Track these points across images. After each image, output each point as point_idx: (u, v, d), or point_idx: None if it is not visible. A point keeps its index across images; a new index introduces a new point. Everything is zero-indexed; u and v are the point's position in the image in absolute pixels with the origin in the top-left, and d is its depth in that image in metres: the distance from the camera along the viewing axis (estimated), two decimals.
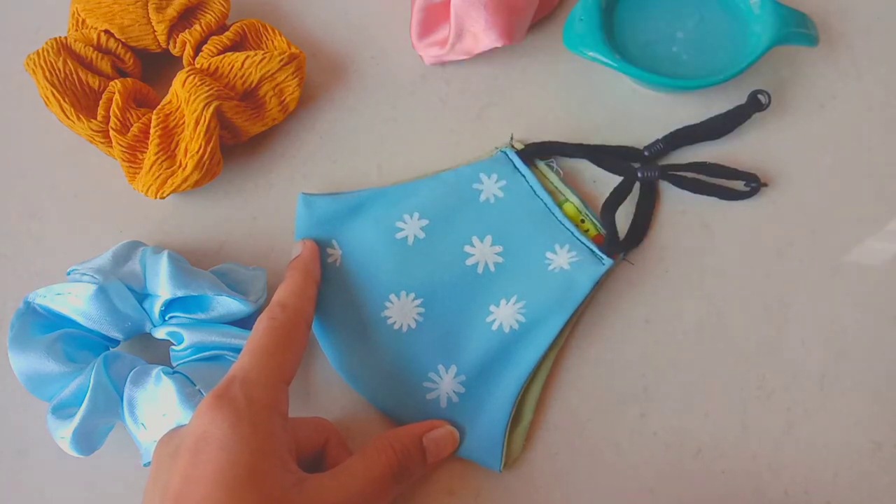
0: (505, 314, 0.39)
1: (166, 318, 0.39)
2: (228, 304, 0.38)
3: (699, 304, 0.41)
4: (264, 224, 0.43)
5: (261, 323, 0.35)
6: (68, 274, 0.39)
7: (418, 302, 0.40)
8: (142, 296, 0.39)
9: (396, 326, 0.39)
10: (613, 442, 0.39)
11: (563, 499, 0.38)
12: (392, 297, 0.40)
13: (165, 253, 0.38)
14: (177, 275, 0.38)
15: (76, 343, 0.38)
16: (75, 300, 0.37)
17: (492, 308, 0.39)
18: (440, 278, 0.40)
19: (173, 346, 0.38)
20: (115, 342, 0.39)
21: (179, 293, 0.37)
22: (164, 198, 0.41)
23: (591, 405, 0.39)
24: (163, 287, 0.37)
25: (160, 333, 0.38)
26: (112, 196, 0.44)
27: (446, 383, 0.39)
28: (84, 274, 0.38)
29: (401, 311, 0.39)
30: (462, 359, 0.39)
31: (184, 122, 0.41)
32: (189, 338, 0.38)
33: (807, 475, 0.38)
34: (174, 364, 0.38)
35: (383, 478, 0.34)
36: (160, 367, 0.37)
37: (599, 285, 0.40)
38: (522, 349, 0.39)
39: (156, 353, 0.40)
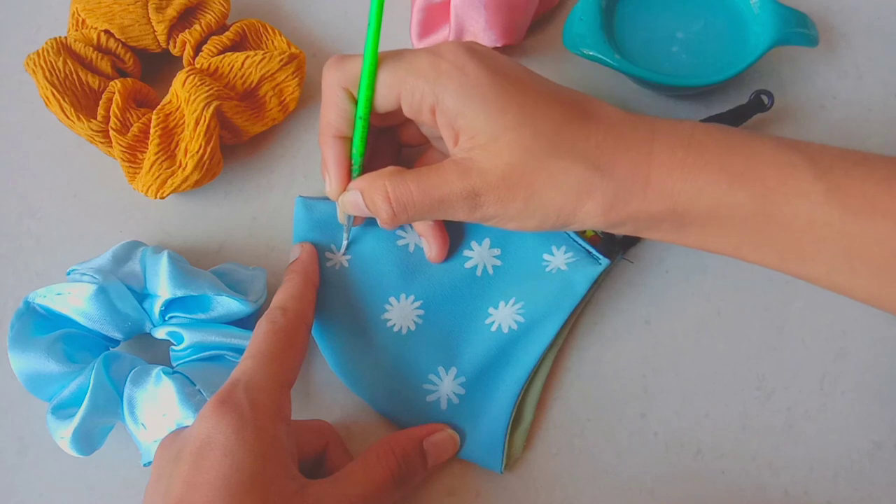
0: (504, 315, 0.39)
1: (166, 318, 0.39)
2: (228, 304, 0.38)
3: (699, 304, 0.41)
4: (264, 224, 0.43)
5: (261, 327, 0.35)
6: (68, 274, 0.39)
7: (418, 304, 0.40)
8: (142, 296, 0.39)
9: (396, 329, 0.39)
10: (613, 442, 0.39)
11: (563, 499, 0.38)
12: (392, 299, 0.40)
13: (165, 253, 0.38)
14: (177, 275, 0.38)
15: (76, 343, 0.38)
16: (75, 300, 0.37)
17: (491, 310, 0.39)
18: (439, 281, 0.40)
19: (173, 346, 0.38)
20: (115, 342, 0.39)
21: (179, 293, 0.37)
22: (164, 198, 0.41)
23: (591, 405, 0.39)
24: (163, 287, 0.37)
25: (160, 333, 0.38)
26: (112, 196, 0.44)
27: (446, 385, 0.39)
28: (84, 274, 0.38)
29: (400, 314, 0.39)
30: (462, 360, 0.39)
31: (184, 122, 0.41)
32: (189, 338, 0.38)
33: (807, 475, 0.38)
34: (174, 364, 0.38)
35: (384, 483, 0.34)
36: (160, 367, 0.37)
37: (599, 285, 0.40)
38: (521, 350, 0.38)
39: (156, 353, 0.40)
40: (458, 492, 0.38)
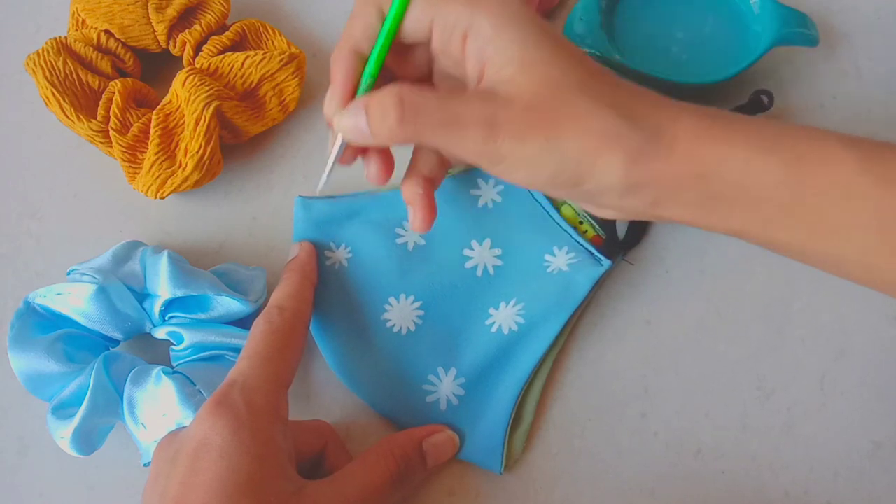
0: (504, 316, 0.39)
1: (166, 318, 0.39)
2: (228, 304, 0.38)
3: (699, 304, 0.41)
4: (264, 224, 0.43)
5: (258, 326, 0.35)
6: (68, 274, 0.39)
7: (418, 305, 0.40)
8: (142, 296, 0.39)
9: (396, 329, 0.39)
10: (613, 442, 0.39)
11: (563, 499, 0.38)
12: (391, 300, 0.40)
13: (165, 253, 0.38)
14: (177, 275, 0.38)
15: (76, 343, 0.38)
16: (75, 300, 0.37)
17: (491, 310, 0.39)
18: (439, 281, 0.40)
19: (173, 346, 0.38)
20: (115, 342, 0.39)
21: (179, 293, 0.37)
22: (164, 198, 0.41)
23: (591, 405, 0.39)
24: (163, 287, 0.37)
25: (160, 333, 0.38)
26: (112, 196, 0.44)
27: (446, 386, 0.39)
28: (84, 274, 0.38)
29: (400, 314, 0.39)
30: (461, 361, 0.39)
31: (184, 122, 0.41)
32: (189, 338, 0.38)
33: (807, 475, 0.38)
34: (174, 364, 0.38)
35: (383, 484, 0.33)
36: (160, 367, 0.37)
37: (599, 286, 0.40)
38: (522, 351, 0.38)
39: (156, 353, 0.40)
40: (458, 492, 0.38)
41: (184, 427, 0.33)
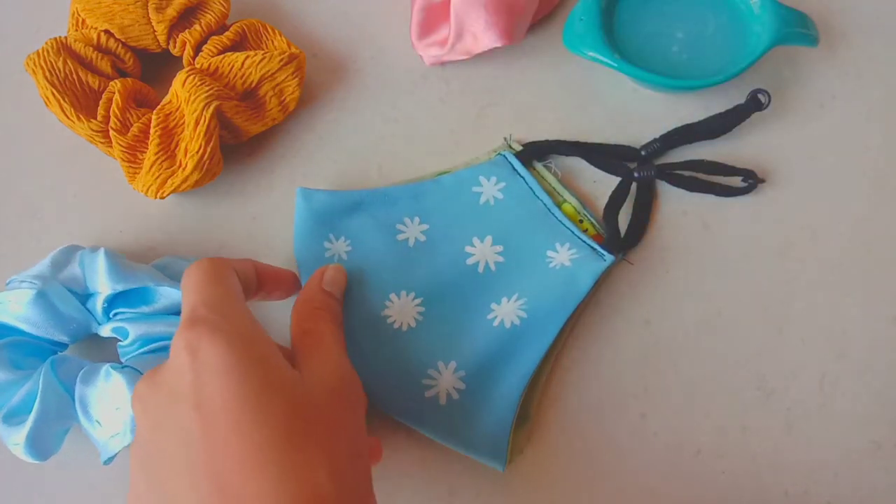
0: (506, 311, 0.39)
1: (111, 316, 0.38)
2: (171, 295, 0.38)
3: (699, 304, 0.41)
4: (264, 224, 0.43)
5: (186, 274, 0.33)
6: (7, 284, 0.39)
7: (418, 301, 0.40)
8: (85, 297, 0.38)
9: (396, 326, 0.39)
10: (613, 442, 0.39)
11: (563, 499, 0.38)
12: (392, 296, 0.40)
13: (102, 250, 0.38)
14: (115, 269, 0.37)
15: (23, 350, 0.38)
16: (15, 307, 0.37)
17: (493, 306, 0.39)
18: (441, 278, 0.40)
19: (120, 343, 0.38)
20: (63, 346, 0.39)
21: (119, 287, 0.37)
22: (164, 198, 0.41)
23: (591, 405, 0.39)
24: (102, 283, 0.37)
25: (106, 331, 0.38)
26: (112, 196, 0.44)
27: (446, 379, 0.38)
28: (22, 281, 0.38)
29: (401, 311, 0.39)
30: (462, 354, 0.39)
31: (184, 122, 0.41)
32: (133, 331, 0.37)
33: (807, 475, 0.38)
34: (123, 360, 0.38)
35: (334, 334, 0.35)
36: (108, 364, 0.36)
37: (600, 285, 0.40)
38: (524, 345, 0.38)
39: (106, 355, 0.40)
40: (459, 491, 0.38)
41: (160, 369, 0.30)
